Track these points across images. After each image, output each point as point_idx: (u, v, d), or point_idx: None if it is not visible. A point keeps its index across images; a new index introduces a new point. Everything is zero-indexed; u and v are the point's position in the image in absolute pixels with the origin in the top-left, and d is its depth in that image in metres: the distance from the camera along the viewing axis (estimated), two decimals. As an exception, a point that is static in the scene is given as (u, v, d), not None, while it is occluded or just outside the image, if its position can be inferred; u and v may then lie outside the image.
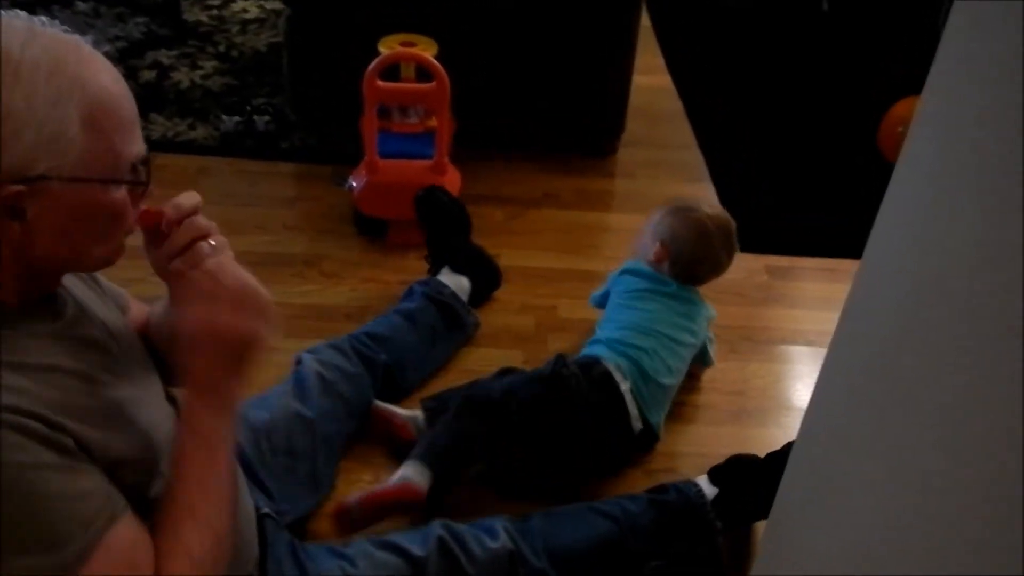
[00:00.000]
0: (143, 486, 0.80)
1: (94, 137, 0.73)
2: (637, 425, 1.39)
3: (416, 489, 1.23)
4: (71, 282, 0.85)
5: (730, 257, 1.59)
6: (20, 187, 0.70)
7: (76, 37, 0.75)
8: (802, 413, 1.56)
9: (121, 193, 0.77)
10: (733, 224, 1.59)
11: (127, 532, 0.75)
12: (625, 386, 1.39)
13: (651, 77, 2.68)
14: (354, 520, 1.22)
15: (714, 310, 1.61)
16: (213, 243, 0.82)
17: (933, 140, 0.76)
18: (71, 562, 0.71)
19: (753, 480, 1.27)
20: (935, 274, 0.74)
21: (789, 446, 1.33)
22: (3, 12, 0.72)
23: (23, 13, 0.73)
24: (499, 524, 1.16)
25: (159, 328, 0.95)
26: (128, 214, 0.78)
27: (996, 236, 0.64)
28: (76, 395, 0.75)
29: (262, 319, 0.82)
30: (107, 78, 0.75)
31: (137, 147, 0.77)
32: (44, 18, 0.73)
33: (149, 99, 2.36)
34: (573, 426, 1.34)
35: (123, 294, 0.99)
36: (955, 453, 0.70)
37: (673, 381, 1.48)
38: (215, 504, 0.80)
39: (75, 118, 0.71)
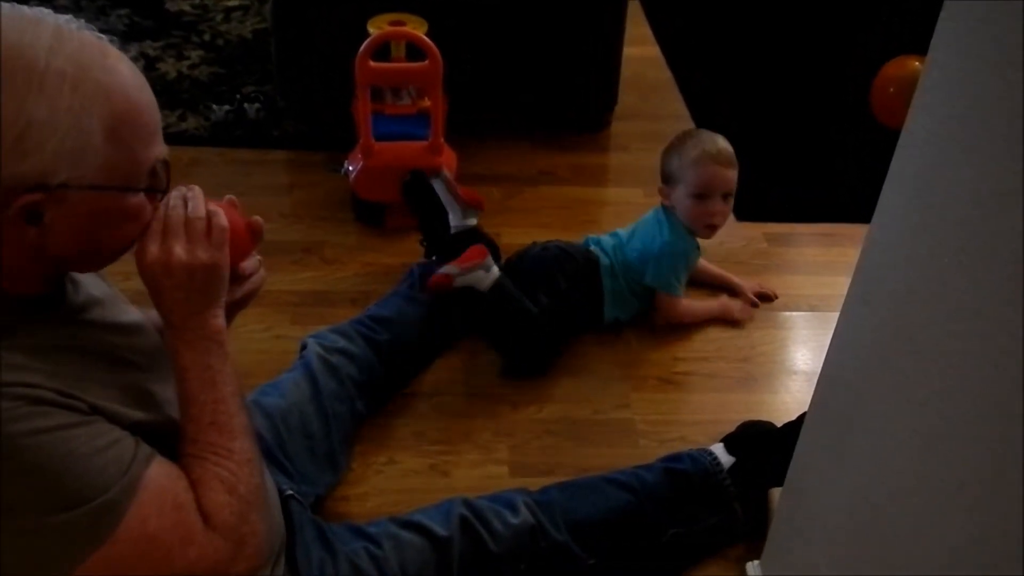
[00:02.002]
0: (161, 451, 0.81)
1: (116, 147, 0.73)
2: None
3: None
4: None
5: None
6: (39, 195, 0.70)
7: (103, 42, 0.74)
8: (808, 378, 1.59)
9: (139, 197, 0.78)
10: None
11: (163, 468, 0.78)
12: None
13: (639, 48, 2.66)
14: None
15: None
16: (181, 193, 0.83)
17: (940, 98, 0.76)
18: (116, 506, 0.73)
19: (769, 447, 1.29)
20: (945, 233, 0.74)
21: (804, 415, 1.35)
22: (31, 11, 0.71)
23: (50, 12, 0.72)
24: (519, 498, 1.17)
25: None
26: (145, 215, 0.79)
27: (1005, 189, 0.65)
28: (89, 371, 0.77)
29: (217, 248, 0.82)
30: (132, 86, 0.74)
31: (157, 150, 0.77)
32: (70, 17, 0.72)
33: (136, 92, 2.33)
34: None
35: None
36: (966, 409, 0.70)
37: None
38: (230, 433, 0.83)
39: (98, 129, 0.71)
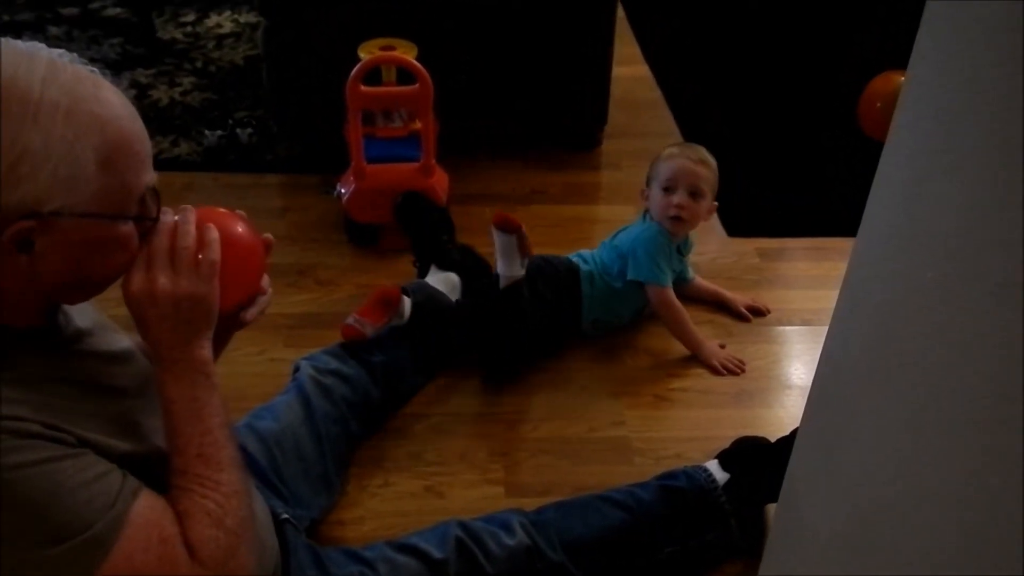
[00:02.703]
0: (148, 482, 0.81)
1: (108, 175, 0.73)
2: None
3: (392, 288, 1.52)
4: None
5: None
6: (31, 223, 0.70)
7: (95, 74, 0.75)
8: (802, 392, 1.59)
9: (129, 226, 0.78)
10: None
11: (149, 502, 0.78)
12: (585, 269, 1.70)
13: (628, 67, 2.69)
14: (362, 324, 1.47)
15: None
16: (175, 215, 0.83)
17: (922, 111, 0.77)
18: (103, 541, 0.73)
19: (763, 463, 1.28)
20: (930, 244, 0.75)
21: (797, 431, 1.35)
22: (25, 46, 0.72)
23: (43, 46, 0.73)
24: (514, 519, 1.17)
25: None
26: (133, 244, 0.79)
27: (990, 200, 0.65)
28: (78, 402, 0.77)
29: (205, 280, 0.82)
30: (124, 117, 0.75)
31: (147, 178, 0.78)
32: (63, 51, 0.73)
33: (129, 119, 2.35)
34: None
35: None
36: (956, 420, 0.71)
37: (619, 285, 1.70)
38: (217, 465, 0.82)
39: (91, 158, 0.72)
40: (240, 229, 0.91)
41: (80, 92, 0.72)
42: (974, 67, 0.68)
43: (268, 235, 0.94)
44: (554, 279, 1.66)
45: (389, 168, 1.88)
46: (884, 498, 0.84)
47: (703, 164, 1.67)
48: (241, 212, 0.92)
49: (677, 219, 1.66)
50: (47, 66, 0.71)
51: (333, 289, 1.83)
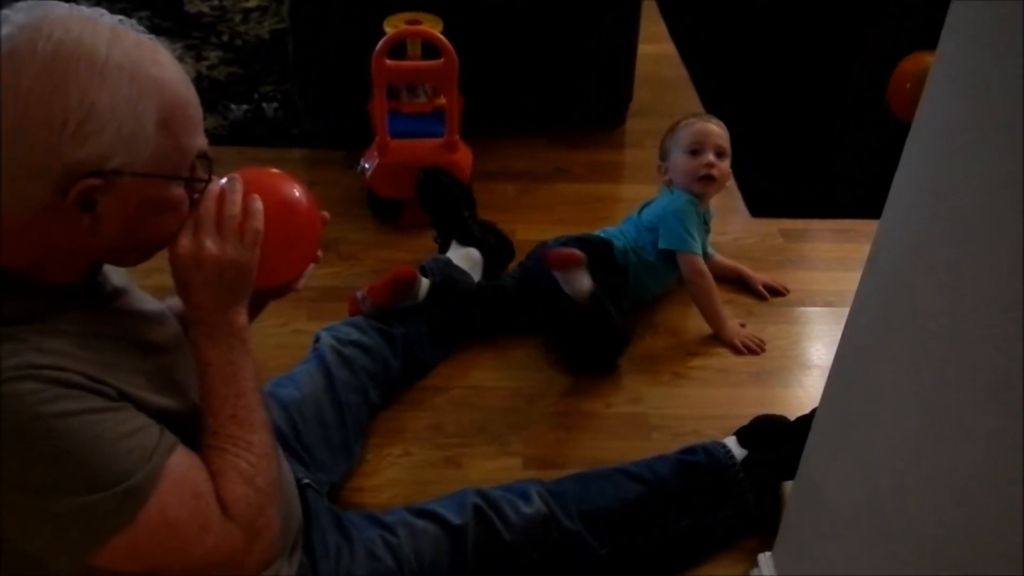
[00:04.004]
0: (183, 438, 0.83)
1: (166, 137, 0.76)
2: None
3: (409, 270, 1.52)
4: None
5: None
6: (97, 180, 0.72)
7: (153, 40, 0.77)
8: (822, 372, 1.58)
9: (180, 189, 0.80)
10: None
11: (184, 458, 0.80)
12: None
13: (654, 45, 2.67)
14: (364, 302, 1.50)
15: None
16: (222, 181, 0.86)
17: (950, 93, 0.76)
18: (139, 492, 0.74)
19: (781, 441, 1.29)
20: (955, 223, 0.74)
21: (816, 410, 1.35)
22: (89, 11, 0.75)
23: (106, 12, 0.76)
24: (532, 488, 1.18)
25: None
26: (184, 208, 0.82)
27: (1016, 178, 0.65)
28: (119, 358, 0.79)
29: (248, 247, 0.84)
30: (180, 81, 0.78)
31: (200, 142, 0.80)
32: (123, 18, 0.76)
33: (157, 92, 2.37)
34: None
35: None
36: (977, 399, 0.71)
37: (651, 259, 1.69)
38: (249, 427, 0.85)
39: (151, 119, 0.74)
40: (298, 195, 0.93)
41: (141, 56, 0.74)
42: (1003, 47, 0.67)
43: (324, 213, 0.96)
44: (599, 260, 1.62)
45: (413, 143, 1.89)
46: (903, 476, 0.84)
47: (721, 127, 1.71)
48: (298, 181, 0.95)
49: (709, 178, 1.67)
50: (111, 30, 0.73)
51: (355, 263, 1.84)
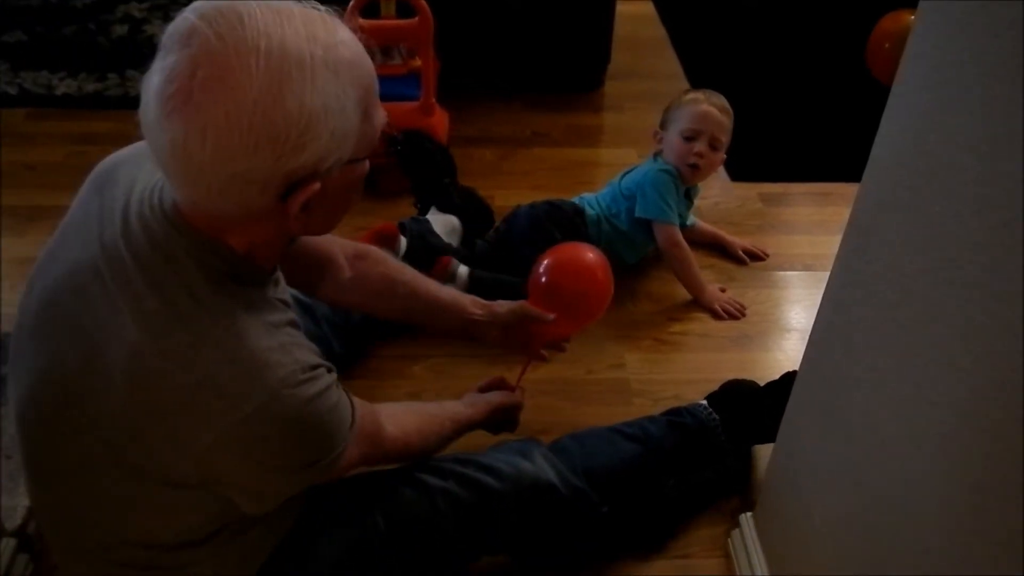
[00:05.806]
0: None
1: (365, 119, 0.74)
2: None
3: (390, 226, 1.57)
4: None
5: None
6: (316, 184, 0.72)
7: (326, 14, 0.72)
8: (802, 336, 1.59)
9: (367, 163, 0.79)
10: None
11: (363, 411, 0.89)
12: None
13: (633, 4, 2.63)
14: None
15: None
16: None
17: (933, 45, 0.75)
18: (341, 455, 0.82)
19: (751, 405, 1.30)
20: (939, 180, 0.74)
21: (787, 375, 1.36)
22: (278, 4, 0.69)
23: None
24: (535, 448, 1.16)
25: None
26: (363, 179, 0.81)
27: (1001, 133, 0.64)
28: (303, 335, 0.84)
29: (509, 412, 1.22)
30: (363, 55, 0.75)
31: (382, 112, 0.79)
32: None
33: (123, 54, 2.30)
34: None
35: None
36: (961, 359, 0.70)
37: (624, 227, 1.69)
38: (434, 435, 1.06)
39: (355, 109, 0.72)
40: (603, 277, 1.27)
41: (329, 40, 0.70)
42: (986, 2, 0.66)
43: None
44: (563, 223, 1.64)
45: (388, 107, 1.83)
46: (883, 437, 0.85)
47: (726, 114, 1.65)
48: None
49: (695, 167, 1.65)
50: (303, 22, 0.69)
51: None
